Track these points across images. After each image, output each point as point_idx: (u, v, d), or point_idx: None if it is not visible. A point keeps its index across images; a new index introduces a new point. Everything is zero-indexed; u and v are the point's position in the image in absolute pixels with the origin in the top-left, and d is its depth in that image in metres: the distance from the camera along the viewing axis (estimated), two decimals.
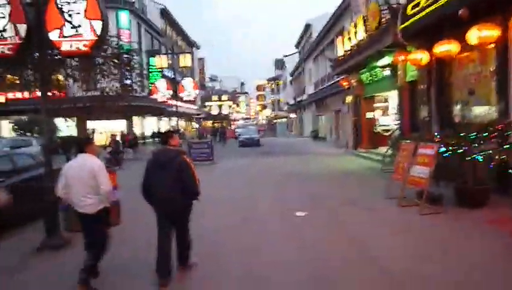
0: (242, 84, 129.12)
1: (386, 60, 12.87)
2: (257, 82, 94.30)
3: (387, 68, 13.41)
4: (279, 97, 74.64)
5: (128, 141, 35.07)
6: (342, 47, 16.91)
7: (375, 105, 17.94)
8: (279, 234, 6.29)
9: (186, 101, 17.19)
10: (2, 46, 5.57)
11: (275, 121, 76.10)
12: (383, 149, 16.28)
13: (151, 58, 26.41)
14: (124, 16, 36.36)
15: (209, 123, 67.97)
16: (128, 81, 8.74)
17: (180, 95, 15.86)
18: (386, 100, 18.01)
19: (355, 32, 14.65)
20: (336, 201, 8.44)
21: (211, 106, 61.74)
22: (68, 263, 5.23)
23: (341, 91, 23.46)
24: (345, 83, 18.49)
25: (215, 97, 62.59)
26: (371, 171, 12.86)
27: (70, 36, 5.54)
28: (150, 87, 30.03)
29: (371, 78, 16.05)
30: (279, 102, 74.10)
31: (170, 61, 16.42)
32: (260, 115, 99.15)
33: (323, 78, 32.05)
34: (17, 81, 7.42)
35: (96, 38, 5.57)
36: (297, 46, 52.36)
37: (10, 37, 5.56)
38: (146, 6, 45.65)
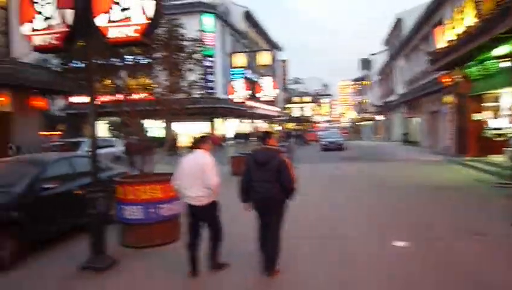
0: (325, 86, 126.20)
1: (505, 48, 10.42)
2: (341, 84, 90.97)
3: (506, 59, 10.87)
4: (365, 98, 70.88)
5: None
6: (443, 38, 14.50)
7: (485, 104, 15.12)
8: (374, 272, 4.76)
9: (265, 102, 16.18)
10: (48, 36, 4.91)
11: (359, 123, 72.48)
12: (493, 158, 13.61)
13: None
14: (208, 20, 36.89)
15: (290, 125, 66.97)
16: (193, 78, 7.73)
17: (258, 95, 14.80)
18: (496, 99, 15.11)
19: (462, 19, 12.30)
20: (444, 227, 6.55)
21: (292, 108, 60.57)
22: (112, 287, 4.60)
23: (438, 90, 20.65)
24: (446, 80, 15.91)
25: (296, 99, 61.22)
26: (481, 185, 10.52)
27: (118, 21, 4.68)
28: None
29: (480, 72, 13.42)
30: (365, 104, 70.34)
31: (248, 60, 15.54)
32: (344, 117, 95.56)
33: (416, 76, 28.95)
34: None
35: (148, 22, 4.64)
36: (386, 43, 48.85)
37: (57, 24, 4.88)
38: (230, 10, 46.18)
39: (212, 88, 36.67)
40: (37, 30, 4.96)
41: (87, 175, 6.15)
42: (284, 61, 71.70)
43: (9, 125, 16.96)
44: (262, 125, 57.53)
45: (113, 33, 4.70)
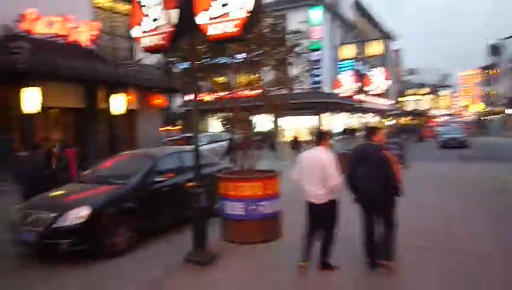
0: (445, 76, 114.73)
1: None
2: (464, 73, 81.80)
3: None
4: (495, 89, 62.57)
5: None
6: None
7: None
8: None
9: (376, 95, 15.17)
10: (156, 37, 5.13)
11: (486, 117, 64.32)
12: None
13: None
14: (316, 12, 36.27)
15: (404, 120, 62.51)
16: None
17: (367, 88, 13.94)
18: None
19: None
20: None
21: (406, 101, 56.47)
22: (214, 281, 4.69)
23: None
24: None
25: (411, 91, 56.83)
26: None
27: (218, 17, 4.65)
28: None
29: None
30: (493, 95, 62.13)
31: (357, 51, 14.68)
32: (467, 110, 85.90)
33: None
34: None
35: (248, 15, 4.51)
36: None
37: (163, 25, 5.07)
38: (338, 1, 44.81)
39: (319, 82, 36.09)
40: (146, 32, 5.22)
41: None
42: (397, 51, 67.22)
43: (135, 121, 19.00)
44: (372, 119, 54.92)
45: (213, 30, 4.68)
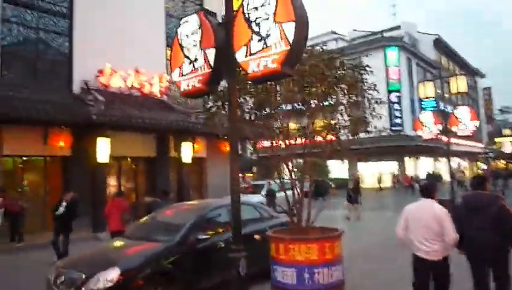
0: None
1: None
2: None
3: None
4: None
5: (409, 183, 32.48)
6: None
7: None
8: None
9: (463, 137, 13.36)
10: (193, 79, 4.63)
11: None
12: None
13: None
14: (392, 53, 34.94)
15: (501, 164, 56.02)
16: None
17: (453, 129, 12.30)
18: None
19: None
20: None
21: (501, 142, 50.75)
22: None
23: None
24: None
25: (507, 131, 51.15)
26: None
27: (257, 52, 4.01)
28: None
29: None
30: None
31: (439, 91, 13.20)
32: None
33: None
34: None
35: (288, 48, 3.80)
36: None
37: (200, 67, 4.56)
38: (417, 40, 42.94)
39: (399, 124, 33.95)
40: (184, 75, 4.76)
41: (246, 224, 5.66)
42: (487, 89, 61.86)
43: (204, 169, 19.02)
44: (462, 163, 49.97)
45: (253, 67, 4.04)
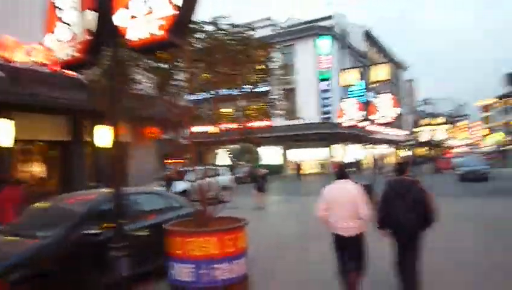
0: (460, 106, 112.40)
1: None
2: (481, 102, 79.67)
3: None
4: None
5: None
6: None
7: None
8: None
9: (384, 124, 13.75)
10: (71, 48, 3.89)
11: (506, 148, 61.65)
12: None
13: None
14: (324, 42, 35.56)
15: (420, 151, 60.35)
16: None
17: (373, 117, 12.53)
18: None
19: None
20: None
21: (421, 131, 54.58)
22: None
23: None
24: None
25: (425, 121, 55.06)
26: None
27: (140, 16, 3.40)
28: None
29: None
30: None
31: (360, 76, 13.37)
32: (485, 140, 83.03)
33: None
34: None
35: (176, 12, 3.24)
36: None
37: (80, 32, 3.84)
38: (348, 31, 44.21)
39: (329, 112, 34.83)
40: (60, 41, 4.00)
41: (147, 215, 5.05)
42: (410, 81, 66.02)
43: (127, 154, 17.84)
44: (386, 151, 53.02)
45: (134, 33, 3.42)
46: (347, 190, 4.62)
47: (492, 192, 16.76)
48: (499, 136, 72.49)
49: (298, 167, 32.16)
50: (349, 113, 12.90)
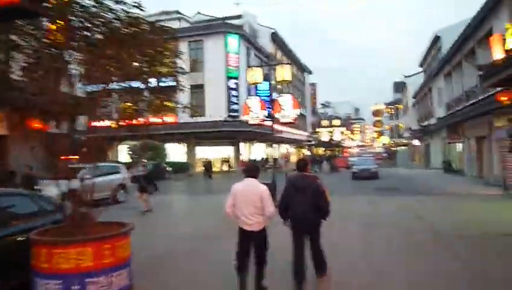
0: (357, 110, 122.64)
1: None
2: (374, 107, 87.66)
3: None
4: (399, 123, 67.38)
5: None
6: (502, 47, 11.95)
7: None
8: None
9: (286, 124, 14.03)
10: None
11: (393, 149, 68.72)
12: None
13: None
14: (233, 40, 35.60)
15: (321, 150, 64.14)
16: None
17: (277, 115, 12.61)
18: None
19: None
20: None
21: (321, 132, 58.03)
22: None
23: (487, 112, 17.85)
24: (504, 98, 13.18)
25: (324, 122, 58.69)
26: None
27: None
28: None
29: None
30: (400, 128, 66.82)
31: (264, 75, 13.46)
32: (377, 142, 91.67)
33: (459, 97, 26.02)
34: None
35: None
36: (421, 64, 45.98)
37: None
38: (257, 31, 44.99)
39: (236, 111, 34.96)
40: None
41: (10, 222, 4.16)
42: (313, 84, 69.74)
43: (4, 149, 15.65)
44: (290, 150, 55.35)
45: None
46: (253, 188, 4.83)
47: (379, 189, 18.24)
48: (387, 139, 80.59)
49: (208, 164, 31.46)
50: (254, 111, 12.84)
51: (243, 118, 13.22)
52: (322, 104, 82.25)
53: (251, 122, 13.03)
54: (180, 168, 33.67)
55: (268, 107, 13.14)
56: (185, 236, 8.66)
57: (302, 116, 59.58)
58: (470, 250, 6.94)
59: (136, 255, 4.60)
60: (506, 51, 11.64)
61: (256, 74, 12.71)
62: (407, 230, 8.75)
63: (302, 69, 60.88)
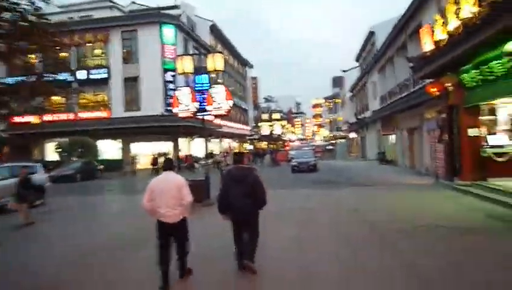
0: (298, 104, 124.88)
1: None
2: (314, 101, 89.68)
3: None
4: (338, 116, 69.41)
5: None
6: (431, 39, 12.11)
7: (483, 118, 12.66)
8: None
9: (218, 116, 13.28)
10: None
11: (333, 141, 70.69)
12: (498, 182, 11.09)
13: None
14: (169, 31, 34.05)
15: (264, 145, 64.23)
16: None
17: (208, 108, 11.81)
18: (493, 111, 12.76)
19: (458, 10, 9.88)
20: None
21: (264, 126, 58.09)
22: None
23: (418, 104, 18.43)
24: (433, 90, 13.44)
25: (265, 116, 58.78)
26: (503, 225, 7.69)
27: None
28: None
29: (480, 77, 10.93)
30: (338, 121, 68.84)
31: (195, 64, 12.54)
32: (317, 135, 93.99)
33: (392, 91, 26.90)
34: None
35: None
36: (357, 59, 47.41)
37: None
38: (195, 23, 43.61)
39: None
40: None
41: None
42: (254, 78, 69.50)
43: None
44: (232, 144, 54.68)
45: None
46: (171, 179, 5.02)
47: (317, 182, 18.17)
48: (326, 133, 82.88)
49: (155, 160, 29.69)
50: (184, 103, 11.95)
51: (173, 110, 12.24)
52: (264, 98, 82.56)
53: (181, 115, 12.10)
54: (114, 166, 31.75)
55: (200, 101, 12.26)
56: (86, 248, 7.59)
57: (244, 110, 59.20)
58: (404, 242, 6.69)
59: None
60: (435, 42, 11.80)
61: (186, 64, 11.82)
62: (342, 224, 8.43)
63: (243, 62, 60.31)
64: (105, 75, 33.89)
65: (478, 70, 10.81)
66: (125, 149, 34.72)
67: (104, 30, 34.18)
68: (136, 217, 9.57)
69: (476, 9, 8.88)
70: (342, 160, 43.33)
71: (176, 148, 36.21)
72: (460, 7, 9.66)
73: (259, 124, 60.68)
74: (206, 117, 12.64)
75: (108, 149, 34.51)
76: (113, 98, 34.15)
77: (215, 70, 11.61)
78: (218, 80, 13.57)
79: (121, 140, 34.46)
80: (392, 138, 29.16)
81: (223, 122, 43.03)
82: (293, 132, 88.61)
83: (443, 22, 11.07)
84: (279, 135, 59.18)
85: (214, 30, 45.81)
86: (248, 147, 59.80)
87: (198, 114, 12.25)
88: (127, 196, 15.90)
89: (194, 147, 40.32)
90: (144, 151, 34.65)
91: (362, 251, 6.25)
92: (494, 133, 12.43)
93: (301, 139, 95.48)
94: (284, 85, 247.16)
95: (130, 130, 32.91)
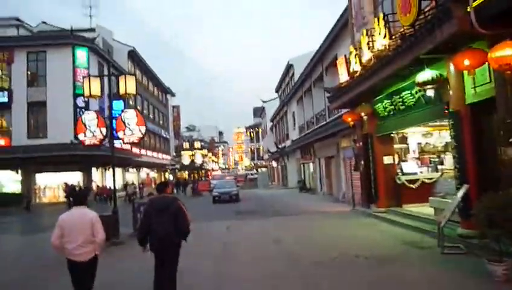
0: (220, 133, 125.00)
1: (428, 73, 8.30)
2: (236, 131, 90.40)
3: (428, 87, 8.77)
4: (259, 145, 70.47)
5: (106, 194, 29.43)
6: (346, 70, 12.52)
7: (396, 146, 13.24)
8: None
9: (131, 144, 12.25)
10: None
11: (254, 171, 71.19)
12: (411, 208, 11.50)
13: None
14: (82, 54, 32.00)
15: (185, 174, 62.38)
16: None
17: (120, 135, 10.73)
18: (404, 139, 13.45)
19: (371, 42, 10.29)
20: None
21: (185, 155, 56.58)
22: None
23: (334, 134, 19.08)
24: (349, 119, 13.85)
25: (186, 145, 57.52)
26: (418, 251, 7.74)
27: None
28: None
29: (392, 106, 11.42)
30: (259, 150, 69.85)
31: (101, 85, 11.39)
32: (240, 164, 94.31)
33: (310, 120, 27.79)
34: None
35: None
36: (277, 90, 48.89)
37: None
38: (112, 47, 41.73)
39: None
40: None
41: None
42: (176, 107, 68.12)
43: None
44: (152, 174, 52.21)
45: None
46: (83, 215, 4.74)
47: (239, 212, 17.61)
48: (248, 162, 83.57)
49: (72, 190, 26.32)
50: (90, 129, 10.73)
51: (79, 137, 10.93)
52: (186, 127, 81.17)
53: (87, 142, 10.84)
54: (13, 201, 28.13)
55: (113, 128, 11.15)
56: None
57: (165, 139, 57.28)
58: (326, 278, 6.31)
59: None
60: (350, 73, 12.19)
61: (93, 86, 10.71)
62: (264, 259, 7.86)
63: (164, 91, 58.91)
64: (5, 99, 30.61)
65: (390, 101, 11.30)
66: (28, 181, 31.09)
67: (6, 49, 31.07)
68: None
69: (387, 41, 9.25)
70: (264, 189, 43.48)
71: (89, 179, 33.39)
72: (373, 40, 10.04)
73: (182, 152, 59.07)
74: (116, 145, 11.53)
75: (7, 181, 30.71)
76: (15, 124, 30.76)
77: (127, 94, 10.68)
78: (130, 102, 12.50)
79: (20, 171, 30.84)
80: (311, 166, 29.92)
81: (142, 152, 40.99)
82: (214, 161, 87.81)
83: (356, 54, 11.48)
84: (201, 164, 58.01)
85: (133, 56, 44.22)
86: (169, 177, 57.64)
87: (105, 141, 11.09)
88: (23, 236, 13.78)
89: (110, 177, 37.59)
90: (51, 183, 31.41)
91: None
92: (406, 161, 13.04)
93: (224, 169, 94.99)
94: (206, 114, 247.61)
95: (35, 160, 29.66)
